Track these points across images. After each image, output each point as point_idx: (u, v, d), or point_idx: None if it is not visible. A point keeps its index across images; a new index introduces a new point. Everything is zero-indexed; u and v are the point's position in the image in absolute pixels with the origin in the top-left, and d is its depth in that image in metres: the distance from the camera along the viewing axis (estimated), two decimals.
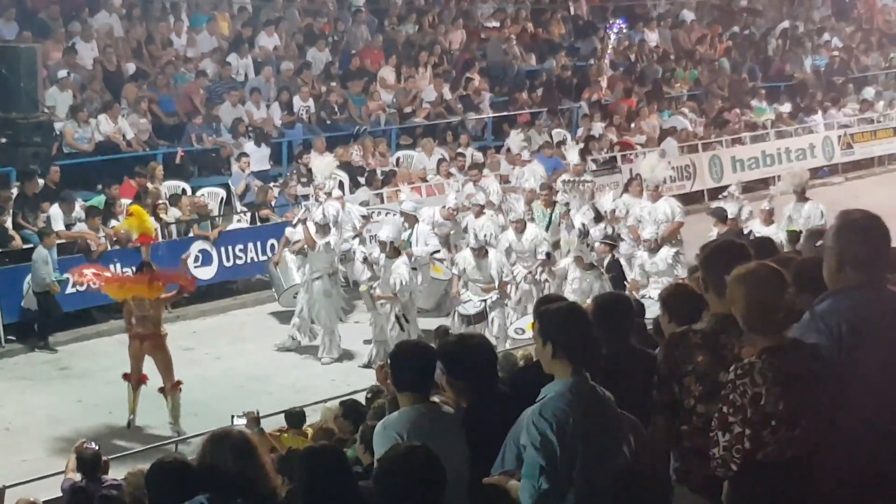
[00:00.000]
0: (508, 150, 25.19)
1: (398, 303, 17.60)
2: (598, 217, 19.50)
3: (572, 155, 23.07)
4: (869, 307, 5.67)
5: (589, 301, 16.71)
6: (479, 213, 19.73)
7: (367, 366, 17.72)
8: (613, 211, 20.59)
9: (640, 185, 21.39)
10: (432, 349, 7.14)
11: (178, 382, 15.68)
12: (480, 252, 18.06)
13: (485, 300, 18.05)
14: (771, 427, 5.53)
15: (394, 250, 17.70)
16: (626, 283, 18.32)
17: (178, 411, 15.62)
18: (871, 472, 5.60)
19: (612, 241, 18.79)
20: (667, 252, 18.59)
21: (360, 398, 12.70)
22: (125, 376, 15.72)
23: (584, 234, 18.47)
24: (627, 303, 7.94)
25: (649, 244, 18.64)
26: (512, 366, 10.39)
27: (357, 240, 20.21)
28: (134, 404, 15.75)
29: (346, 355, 18.59)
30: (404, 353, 6.97)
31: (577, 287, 17.55)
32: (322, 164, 20.17)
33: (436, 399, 7.00)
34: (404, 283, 17.53)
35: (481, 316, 18.00)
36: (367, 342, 18.44)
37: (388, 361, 7.08)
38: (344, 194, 21.89)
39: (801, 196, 20.35)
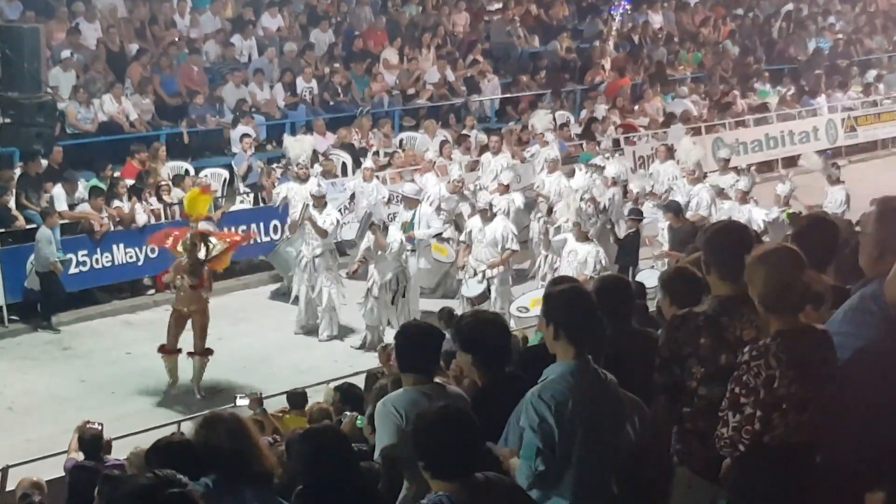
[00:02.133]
0: (524, 127, 25.33)
1: (394, 275, 17.84)
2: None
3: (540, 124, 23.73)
4: None
5: (585, 273, 17.01)
6: (503, 191, 20.14)
7: (361, 347, 18.05)
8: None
9: (666, 152, 23.11)
10: (437, 330, 7.11)
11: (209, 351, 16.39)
12: (485, 214, 18.24)
13: (487, 278, 18.14)
14: (781, 410, 5.55)
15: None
16: (638, 256, 18.84)
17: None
18: (872, 455, 5.61)
19: (639, 216, 19.24)
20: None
21: (361, 380, 12.75)
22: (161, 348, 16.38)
23: (604, 210, 18.94)
24: (628, 285, 7.94)
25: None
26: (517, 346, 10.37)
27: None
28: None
29: (346, 333, 18.69)
30: (409, 334, 6.95)
31: (573, 259, 17.66)
32: (299, 146, 20.22)
33: (440, 381, 6.99)
34: (400, 240, 17.96)
35: (484, 296, 18.08)
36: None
37: (393, 342, 7.04)
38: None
39: (835, 180, 21.35)
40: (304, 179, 19.48)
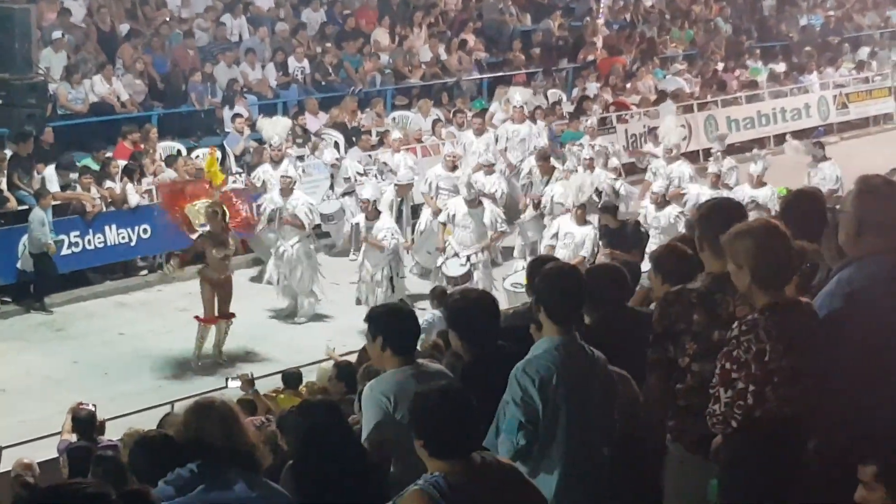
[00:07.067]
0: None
1: (387, 263, 17.65)
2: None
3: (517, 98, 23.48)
4: (892, 272, 5.66)
5: (581, 254, 16.95)
6: (489, 171, 20.23)
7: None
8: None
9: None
10: (410, 310, 7.17)
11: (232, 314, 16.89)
12: (473, 202, 18.13)
13: (469, 259, 18.05)
14: (773, 384, 5.55)
15: (375, 211, 17.74)
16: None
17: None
18: (861, 430, 5.62)
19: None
20: (672, 209, 18.67)
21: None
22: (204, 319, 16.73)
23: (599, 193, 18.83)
24: (621, 272, 7.92)
25: (656, 197, 18.78)
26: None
27: (346, 197, 20.36)
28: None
29: (324, 317, 18.68)
30: (384, 320, 6.95)
31: (570, 241, 17.57)
32: (272, 128, 20.16)
33: (422, 361, 7.02)
34: (393, 233, 17.68)
35: (467, 276, 17.97)
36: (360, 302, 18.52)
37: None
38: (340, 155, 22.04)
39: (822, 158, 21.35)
40: (277, 162, 19.45)
